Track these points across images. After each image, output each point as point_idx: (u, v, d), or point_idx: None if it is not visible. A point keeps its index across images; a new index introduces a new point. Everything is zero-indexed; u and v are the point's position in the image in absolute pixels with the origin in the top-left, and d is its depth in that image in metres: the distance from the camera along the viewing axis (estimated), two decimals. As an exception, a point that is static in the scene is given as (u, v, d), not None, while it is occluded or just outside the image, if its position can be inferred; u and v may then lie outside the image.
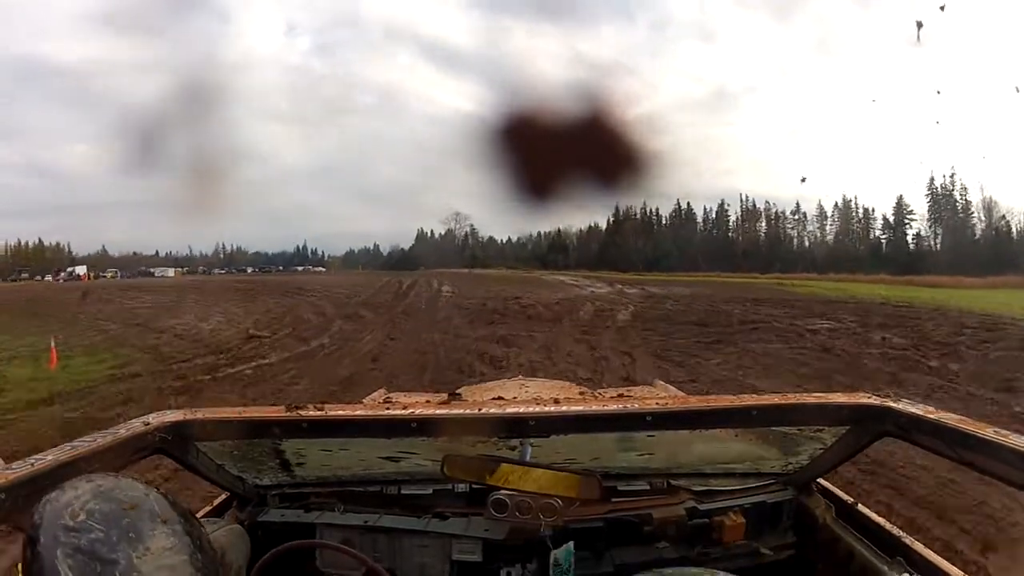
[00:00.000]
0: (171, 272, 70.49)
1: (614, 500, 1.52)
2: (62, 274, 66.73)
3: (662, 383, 3.52)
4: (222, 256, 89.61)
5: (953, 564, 1.28)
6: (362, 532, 1.51)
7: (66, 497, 0.83)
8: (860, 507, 1.54)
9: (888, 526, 1.44)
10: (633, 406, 1.33)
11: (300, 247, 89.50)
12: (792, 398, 1.40)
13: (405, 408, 1.33)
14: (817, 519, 1.52)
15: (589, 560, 1.49)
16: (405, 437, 1.38)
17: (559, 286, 30.79)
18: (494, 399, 1.78)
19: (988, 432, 1.07)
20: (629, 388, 3.02)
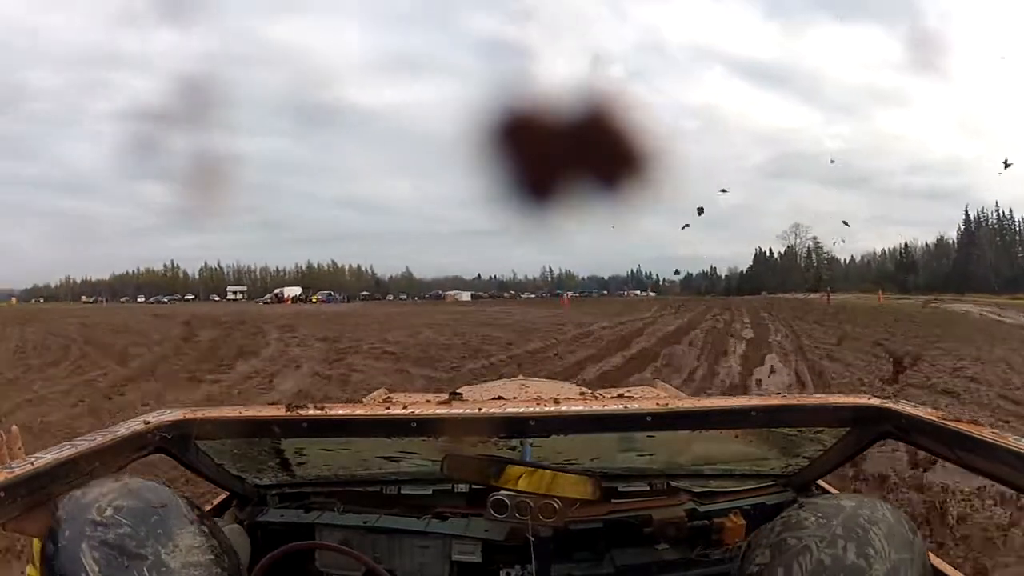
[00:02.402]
0: (466, 296, 67.84)
1: (614, 501, 1.52)
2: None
3: (662, 383, 3.52)
4: (549, 280, 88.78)
5: (954, 566, 1.28)
6: (362, 532, 1.51)
7: (92, 494, 0.83)
8: None
9: None
10: (633, 406, 1.33)
11: (633, 271, 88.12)
12: (792, 399, 1.40)
13: (405, 408, 1.33)
14: None
15: (589, 561, 1.49)
16: (405, 437, 1.38)
17: None
18: (494, 399, 1.78)
19: (987, 433, 1.07)
20: (630, 388, 3.02)
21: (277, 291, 65.04)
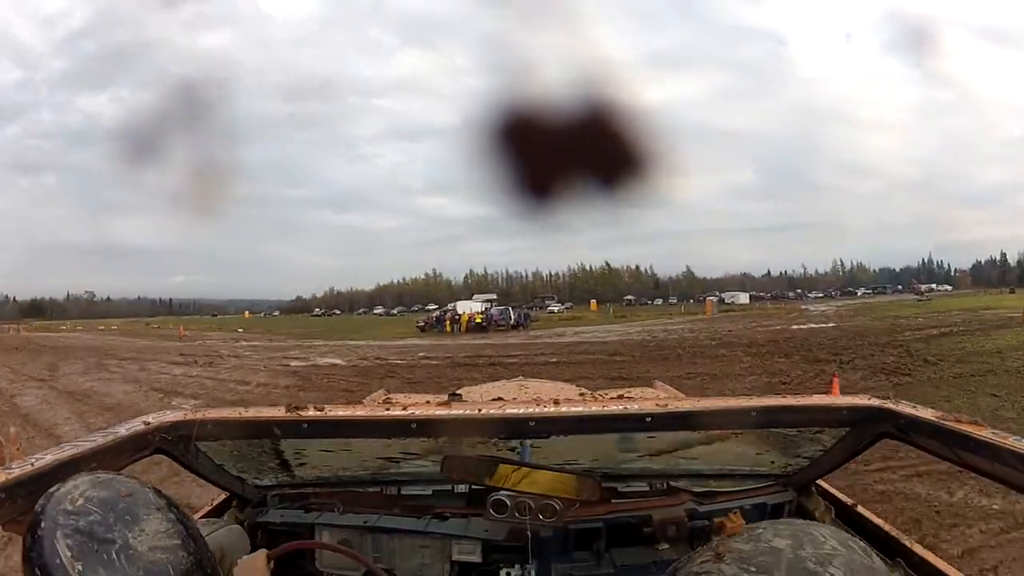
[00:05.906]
0: (744, 297, 61.20)
1: (614, 501, 1.52)
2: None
3: (661, 383, 3.51)
4: (841, 274, 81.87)
5: (954, 567, 1.28)
6: (362, 532, 1.51)
7: (66, 488, 0.88)
8: (860, 509, 1.54)
9: (888, 528, 1.43)
10: (633, 407, 1.33)
11: (924, 260, 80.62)
12: (792, 399, 1.40)
13: (405, 409, 1.33)
14: (817, 520, 1.52)
15: (589, 561, 1.49)
16: (405, 438, 1.38)
17: None
18: (494, 400, 1.78)
19: (986, 433, 1.07)
20: (629, 389, 3.02)
21: (439, 310, 38.37)
